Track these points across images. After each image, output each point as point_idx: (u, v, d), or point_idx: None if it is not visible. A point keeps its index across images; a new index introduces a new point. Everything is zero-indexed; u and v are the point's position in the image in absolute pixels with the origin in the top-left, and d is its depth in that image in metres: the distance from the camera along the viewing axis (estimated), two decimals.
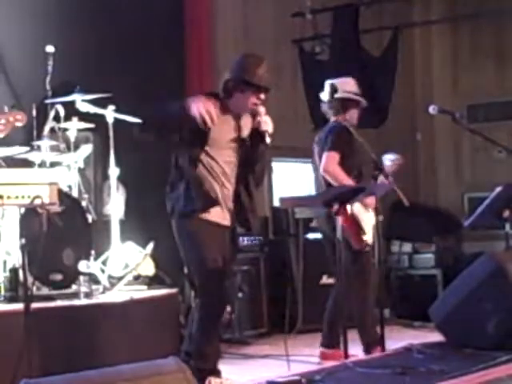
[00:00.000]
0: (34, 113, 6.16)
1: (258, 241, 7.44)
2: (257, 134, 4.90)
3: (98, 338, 5.19)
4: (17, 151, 5.87)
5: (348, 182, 5.95)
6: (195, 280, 4.98)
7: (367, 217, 6.09)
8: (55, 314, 5.13)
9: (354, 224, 5.98)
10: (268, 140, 4.85)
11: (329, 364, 5.45)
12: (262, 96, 4.85)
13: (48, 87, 6.26)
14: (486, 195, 6.29)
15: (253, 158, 4.95)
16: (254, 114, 4.91)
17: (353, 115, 6.23)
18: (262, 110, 4.89)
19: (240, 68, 4.86)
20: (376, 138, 8.21)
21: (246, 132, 4.97)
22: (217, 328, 5.00)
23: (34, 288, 5.31)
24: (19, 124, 4.74)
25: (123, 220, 6.43)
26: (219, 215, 4.90)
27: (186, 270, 6.61)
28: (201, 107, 4.67)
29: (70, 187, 6.17)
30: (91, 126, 6.43)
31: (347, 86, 6.32)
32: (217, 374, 4.96)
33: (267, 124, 4.87)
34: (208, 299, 4.84)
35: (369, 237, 6.07)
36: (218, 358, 5.03)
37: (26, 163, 5.98)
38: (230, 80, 4.87)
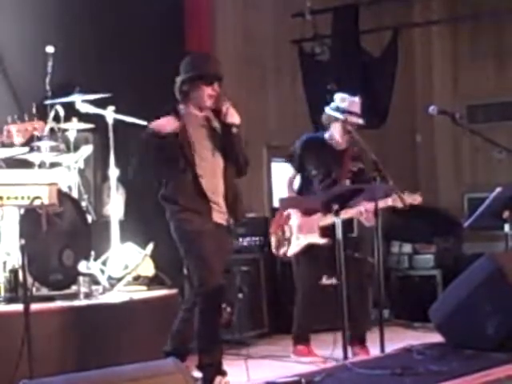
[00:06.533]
0: (34, 113, 6.15)
1: (258, 241, 7.43)
2: (225, 126, 5.14)
3: (97, 339, 5.19)
4: (17, 152, 5.86)
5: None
6: (193, 277, 5.07)
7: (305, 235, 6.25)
8: (55, 314, 5.13)
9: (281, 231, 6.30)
10: (234, 130, 5.09)
11: (329, 365, 5.46)
12: (216, 86, 5.09)
13: (48, 88, 6.26)
14: (485, 196, 6.29)
15: (228, 151, 5.16)
16: (219, 109, 5.12)
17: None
18: (226, 103, 5.10)
19: (190, 67, 5.15)
20: (376, 138, 8.20)
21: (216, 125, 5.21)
22: (217, 323, 5.10)
23: (34, 289, 5.32)
24: (37, 133, 4.80)
25: (123, 221, 6.43)
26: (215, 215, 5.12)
27: (185, 271, 6.64)
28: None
29: (69, 188, 6.17)
30: (91, 126, 6.43)
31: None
32: (223, 373, 5.00)
33: (233, 116, 5.08)
34: (206, 294, 4.96)
35: (290, 250, 6.28)
36: (221, 354, 5.10)
37: (26, 164, 5.98)
38: (183, 81, 5.15)
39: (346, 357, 5.50)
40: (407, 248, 8.75)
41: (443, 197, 10.30)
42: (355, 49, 9.21)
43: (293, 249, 6.28)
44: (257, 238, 7.44)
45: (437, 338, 5.83)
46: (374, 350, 5.96)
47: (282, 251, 6.32)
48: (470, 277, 5.62)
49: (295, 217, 6.30)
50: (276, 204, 8.32)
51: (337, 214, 5.65)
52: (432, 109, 6.26)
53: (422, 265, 8.61)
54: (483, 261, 5.61)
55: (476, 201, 7.35)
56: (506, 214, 6.20)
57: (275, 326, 7.44)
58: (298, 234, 6.28)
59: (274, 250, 6.39)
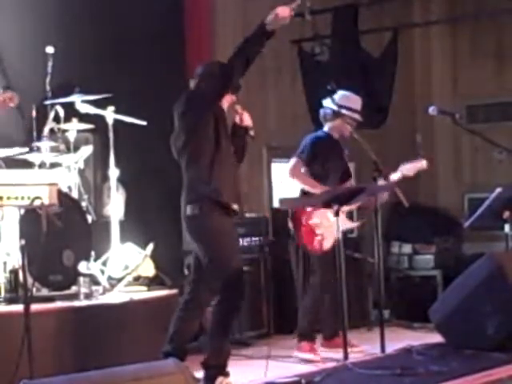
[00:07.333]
0: (34, 114, 6.15)
1: (258, 241, 7.43)
2: (239, 128, 5.31)
3: (97, 339, 5.19)
4: (17, 152, 5.86)
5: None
6: (216, 275, 5.07)
7: (329, 221, 6.21)
8: (55, 315, 5.12)
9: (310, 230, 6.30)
10: (252, 133, 5.29)
11: (328, 365, 5.47)
12: (235, 97, 5.27)
13: (48, 88, 6.25)
14: (486, 196, 6.29)
15: (241, 150, 5.33)
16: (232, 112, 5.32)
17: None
18: (238, 107, 5.30)
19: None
20: (376, 138, 8.20)
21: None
22: (232, 324, 5.18)
23: (34, 289, 5.31)
24: (12, 104, 4.77)
25: (123, 221, 6.43)
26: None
27: (186, 272, 6.64)
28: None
29: (69, 188, 6.17)
30: (91, 126, 6.42)
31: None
32: (226, 374, 5.00)
33: (249, 119, 5.30)
34: (231, 295, 5.01)
35: (326, 242, 6.25)
36: (228, 356, 5.12)
37: (26, 164, 5.98)
38: None
39: (346, 357, 5.50)
40: (407, 248, 8.75)
41: (443, 197, 10.29)
42: (355, 49, 9.20)
43: (329, 240, 6.25)
44: (257, 238, 7.43)
45: (437, 338, 5.83)
46: (375, 351, 5.96)
47: (317, 247, 6.28)
48: (470, 277, 5.63)
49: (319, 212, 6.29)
50: (276, 204, 8.33)
51: (337, 213, 5.67)
52: (432, 109, 6.28)
53: (421, 265, 8.60)
54: (483, 260, 5.62)
55: (476, 201, 7.36)
56: (506, 214, 6.22)
57: (275, 326, 7.44)
58: (329, 226, 6.26)
59: (312, 248, 6.33)
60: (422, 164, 6.47)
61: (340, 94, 6.55)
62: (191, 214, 5.04)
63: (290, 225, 6.44)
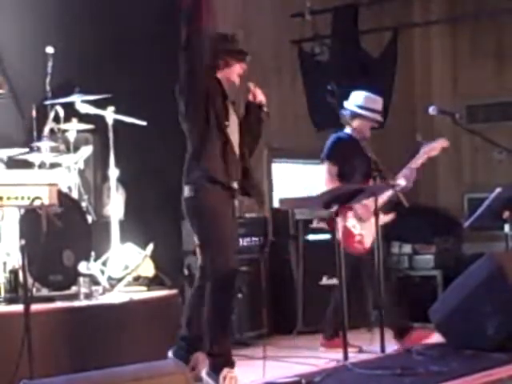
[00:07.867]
0: (34, 114, 6.15)
1: (258, 241, 7.43)
2: (253, 106, 5.28)
3: (97, 340, 5.19)
4: (17, 152, 5.86)
5: None
6: (207, 259, 5.05)
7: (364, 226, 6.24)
8: (55, 315, 5.12)
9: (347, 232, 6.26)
10: (266, 109, 5.24)
11: (329, 365, 5.46)
12: (244, 65, 5.21)
13: (48, 88, 6.26)
14: (485, 196, 6.29)
15: (257, 127, 5.29)
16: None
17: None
18: (250, 84, 5.29)
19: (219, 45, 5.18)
20: (376, 138, 8.19)
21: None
22: (230, 310, 5.13)
23: (34, 289, 5.31)
24: (1, 91, 4.72)
25: (123, 221, 6.43)
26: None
27: (186, 272, 6.64)
28: None
29: (69, 188, 6.17)
30: (91, 127, 6.42)
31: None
32: (231, 364, 5.01)
33: (262, 94, 5.27)
34: (224, 295, 4.98)
35: (367, 241, 6.32)
36: (230, 344, 5.11)
37: (26, 164, 5.98)
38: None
39: (346, 357, 5.50)
40: (407, 248, 8.74)
41: (443, 197, 10.29)
42: (355, 49, 9.20)
43: (368, 238, 6.29)
44: (257, 238, 7.43)
45: (437, 338, 5.83)
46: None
47: (358, 248, 6.29)
48: (470, 277, 5.63)
49: (354, 210, 6.30)
50: (276, 204, 8.33)
51: (337, 214, 5.66)
52: (432, 109, 6.29)
53: (422, 265, 8.60)
54: (483, 261, 5.62)
55: (476, 201, 7.35)
56: (505, 214, 6.22)
57: (275, 326, 7.44)
58: (365, 224, 6.29)
59: (354, 250, 6.30)
60: (443, 142, 6.47)
61: (360, 95, 6.55)
62: (188, 195, 5.04)
63: (326, 227, 6.40)
